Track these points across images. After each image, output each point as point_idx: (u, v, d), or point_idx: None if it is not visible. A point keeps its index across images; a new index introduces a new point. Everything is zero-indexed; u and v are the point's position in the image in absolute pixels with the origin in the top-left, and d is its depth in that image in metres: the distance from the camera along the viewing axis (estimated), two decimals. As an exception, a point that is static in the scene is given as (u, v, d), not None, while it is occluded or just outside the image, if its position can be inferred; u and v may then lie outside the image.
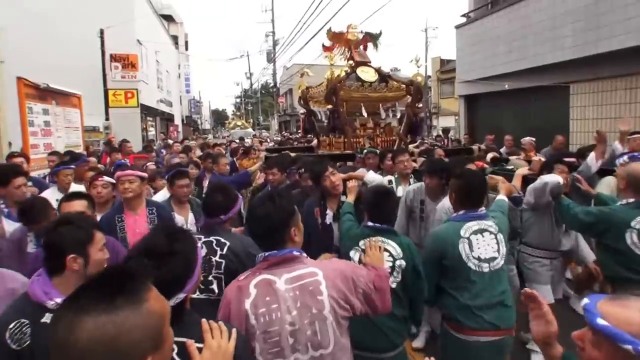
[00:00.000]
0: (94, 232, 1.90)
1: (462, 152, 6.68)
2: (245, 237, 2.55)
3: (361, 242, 2.60)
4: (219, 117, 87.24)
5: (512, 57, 10.19)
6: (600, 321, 1.09)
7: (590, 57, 8.14)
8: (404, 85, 6.39)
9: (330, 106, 6.27)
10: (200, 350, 1.30)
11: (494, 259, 2.55)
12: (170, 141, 15.81)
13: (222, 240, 2.40)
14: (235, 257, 2.35)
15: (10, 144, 6.29)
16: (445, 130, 16.27)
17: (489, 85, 11.10)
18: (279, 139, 20.84)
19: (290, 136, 16.66)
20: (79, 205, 2.68)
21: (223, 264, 2.34)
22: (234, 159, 7.83)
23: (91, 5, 15.34)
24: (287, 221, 1.80)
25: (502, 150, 7.94)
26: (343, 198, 3.34)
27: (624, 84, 8.01)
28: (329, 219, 3.37)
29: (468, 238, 2.55)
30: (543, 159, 4.38)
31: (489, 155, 5.45)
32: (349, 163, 5.93)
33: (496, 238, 2.59)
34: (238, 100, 61.79)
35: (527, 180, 3.68)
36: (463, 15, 12.61)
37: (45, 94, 7.86)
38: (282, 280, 1.68)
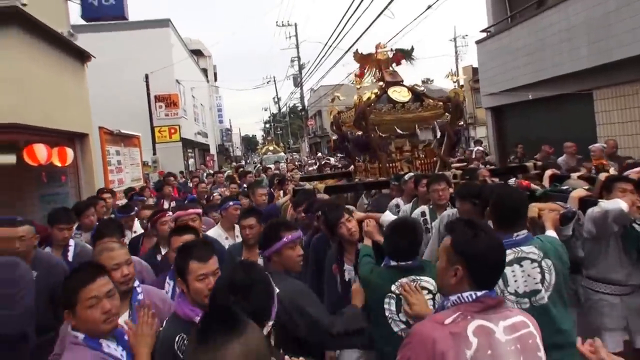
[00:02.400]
0: (190, 264, 2.08)
1: (516, 169, 5.96)
2: (295, 282, 2.37)
3: (393, 287, 2.42)
4: (249, 143, 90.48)
5: (532, 68, 10.85)
6: None
7: (608, 64, 8.66)
8: (440, 103, 6.07)
9: (360, 132, 6.07)
10: None
11: (537, 292, 2.24)
12: (211, 170, 17.54)
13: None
14: (283, 309, 1.95)
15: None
16: (477, 142, 15.93)
17: (513, 96, 11.70)
18: (311, 160, 21.72)
19: (328, 160, 16.40)
20: (186, 240, 2.77)
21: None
22: (271, 188, 7.67)
23: (137, 55, 17.74)
24: None
25: (561, 160, 7.33)
26: (360, 245, 3.04)
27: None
28: (348, 274, 3.08)
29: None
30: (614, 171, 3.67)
31: (548, 172, 4.63)
32: (385, 191, 5.57)
33: (540, 266, 2.25)
34: (267, 125, 64.36)
35: (585, 203, 3.13)
36: (483, 31, 13.32)
37: (116, 137, 9.75)
38: (501, 330, 1.50)
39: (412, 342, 1.58)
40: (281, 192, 6.81)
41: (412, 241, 2.48)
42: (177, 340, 1.95)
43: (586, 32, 9.11)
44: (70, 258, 3.73)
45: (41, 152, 6.01)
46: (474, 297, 1.54)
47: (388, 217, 3.51)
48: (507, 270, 2.20)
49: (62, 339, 2.24)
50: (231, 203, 4.37)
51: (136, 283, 2.45)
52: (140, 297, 2.38)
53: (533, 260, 2.24)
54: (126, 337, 2.00)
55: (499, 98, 12.74)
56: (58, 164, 6.71)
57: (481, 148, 12.53)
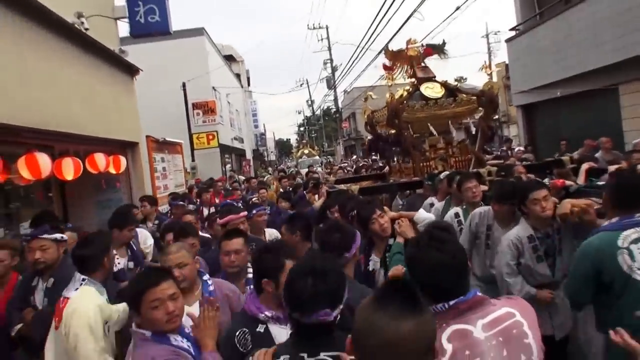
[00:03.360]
0: (285, 262, 2.19)
1: (552, 164, 5.96)
2: (357, 284, 2.53)
3: None
4: (282, 147, 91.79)
5: (560, 65, 11.15)
6: None
7: (633, 59, 8.89)
8: (474, 98, 6.06)
9: (393, 130, 6.11)
10: None
11: None
12: (242, 177, 18.03)
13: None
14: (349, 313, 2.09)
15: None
16: (507, 140, 16.25)
17: (543, 93, 12.06)
18: (344, 164, 21.95)
19: (366, 162, 16.70)
20: (236, 244, 2.99)
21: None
22: (305, 192, 7.81)
23: (174, 63, 18.64)
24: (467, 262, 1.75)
25: (597, 155, 7.22)
26: (390, 241, 3.19)
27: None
28: (372, 265, 3.26)
29: (627, 248, 2.29)
30: None
31: (584, 166, 4.50)
32: (418, 191, 5.58)
33: None
34: (301, 128, 65.28)
35: None
36: (512, 29, 13.71)
37: (161, 145, 10.48)
38: (479, 328, 1.53)
39: None
40: (316, 196, 6.90)
41: None
42: (238, 334, 2.11)
43: (611, 27, 9.35)
44: (141, 245, 4.58)
45: (101, 160, 6.70)
46: (446, 307, 1.58)
47: (422, 214, 3.60)
48: (633, 247, 2.28)
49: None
50: (254, 211, 4.55)
51: (206, 276, 2.76)
52: (211, 288, 2.68)
53: None
54: (186, 330, 2.19)
55: (529, 96, 13.04)
56: (113, 171, 7.39)
57: (522, 148, 12.60)
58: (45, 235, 3.23)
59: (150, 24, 8.44)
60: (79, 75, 6.60)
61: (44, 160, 5.22)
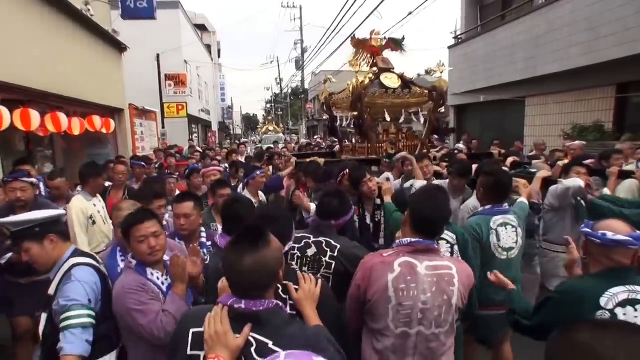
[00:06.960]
0: (255, 208, 2.85)
1: (483, 156, 6.84)
2: (347, 239, 2.75)
3: None
4: (249, 122, 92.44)
5: (486, 75, 13.30)
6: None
7: (536, 77, 11.09)
8: (426, 92, 6.73)
9: (355, 113, 6.56)
10: (296, 290, 1.89)
11: (512, 249, 3.04)
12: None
13: (333, 242, 2.63)
14: (345, 260, 2.58)
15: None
16: (465, 132, 17.39)
17: (471, 97, 14.25)
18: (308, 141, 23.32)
19: (310, 142, 18.63)
20: (187, 207, 3.11)
21: (333, 265, 2.58)
22: (261, 164, 7.67)
23: (148, 35, 19.75)
24: (449, 218, 2.27)
25: (532, 154, 8.19)
26: (377, 201, 3.89)
27: (559, 99, 11.16)
28: (369, 220, 3.91)
29: (496, 230, 3.03)
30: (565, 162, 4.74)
31: (509, 160, 5.75)
32: (374, 168, 6.19)
33: (516, 231, 3.07)
34: (269, 105, 66.25)
35: (547, 183, 4.06)
36: (454, 38, 15.71)
37: (140, 112, 12.29)
38: (423, 266, 2.03)
39: (360, 267, 2.17)
40: (270, 167, 7.33)
41: None
42: (221, 267, 2.37)
43: (522, 50, 11.55)
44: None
45: (97, 121, 8.55)
46: (408, 241, 2.09)
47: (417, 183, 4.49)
48: (500, 229, 3.04)
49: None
50: (258, 172, 5.11)
51: None
52: None
53: (513, 226, 3.08)
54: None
55: (462, 98, 15.19)
56: (104, 131, 9.24)
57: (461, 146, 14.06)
58: (25, 179, 3.86)
59: (139, 9, 10.21)
60: (86, 52, 8.38)
61: (63, 118, 7.09)
